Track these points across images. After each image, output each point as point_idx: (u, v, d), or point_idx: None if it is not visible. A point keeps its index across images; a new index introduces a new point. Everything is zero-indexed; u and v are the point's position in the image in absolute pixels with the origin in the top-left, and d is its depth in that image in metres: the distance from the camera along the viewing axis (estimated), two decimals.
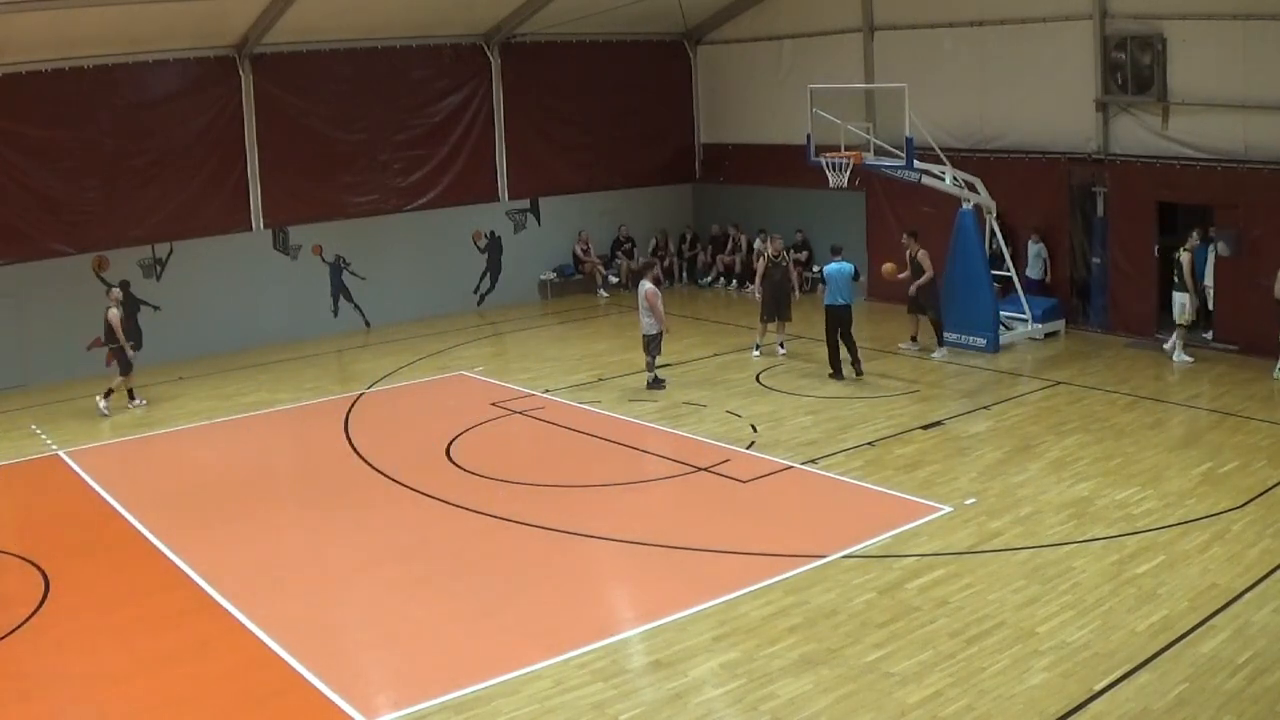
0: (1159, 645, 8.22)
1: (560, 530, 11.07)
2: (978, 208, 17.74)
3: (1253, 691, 7.54)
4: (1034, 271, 18.71)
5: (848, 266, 16.21)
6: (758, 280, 17.69)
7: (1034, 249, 18.73)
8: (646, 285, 15.86)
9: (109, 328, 15.89)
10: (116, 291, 16.73)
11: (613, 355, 18.11)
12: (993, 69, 19.22)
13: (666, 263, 24.40)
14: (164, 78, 18.83)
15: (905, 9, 20.40)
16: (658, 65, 24.53)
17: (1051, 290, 18.67)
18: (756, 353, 17.51)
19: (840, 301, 16.01)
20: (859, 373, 16.06)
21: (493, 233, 22.66)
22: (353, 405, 15.95)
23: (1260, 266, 16.02)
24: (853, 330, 16.16)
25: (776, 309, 17.27)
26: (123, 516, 11.88)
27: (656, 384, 15.92)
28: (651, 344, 15.87)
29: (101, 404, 15.82)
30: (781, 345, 17.59)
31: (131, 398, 16.36)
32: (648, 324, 15.77)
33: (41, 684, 8.51)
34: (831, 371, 16.13)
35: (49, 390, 17.35)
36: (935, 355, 17.14)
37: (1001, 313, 17.71)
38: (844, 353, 16.14)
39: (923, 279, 17.00)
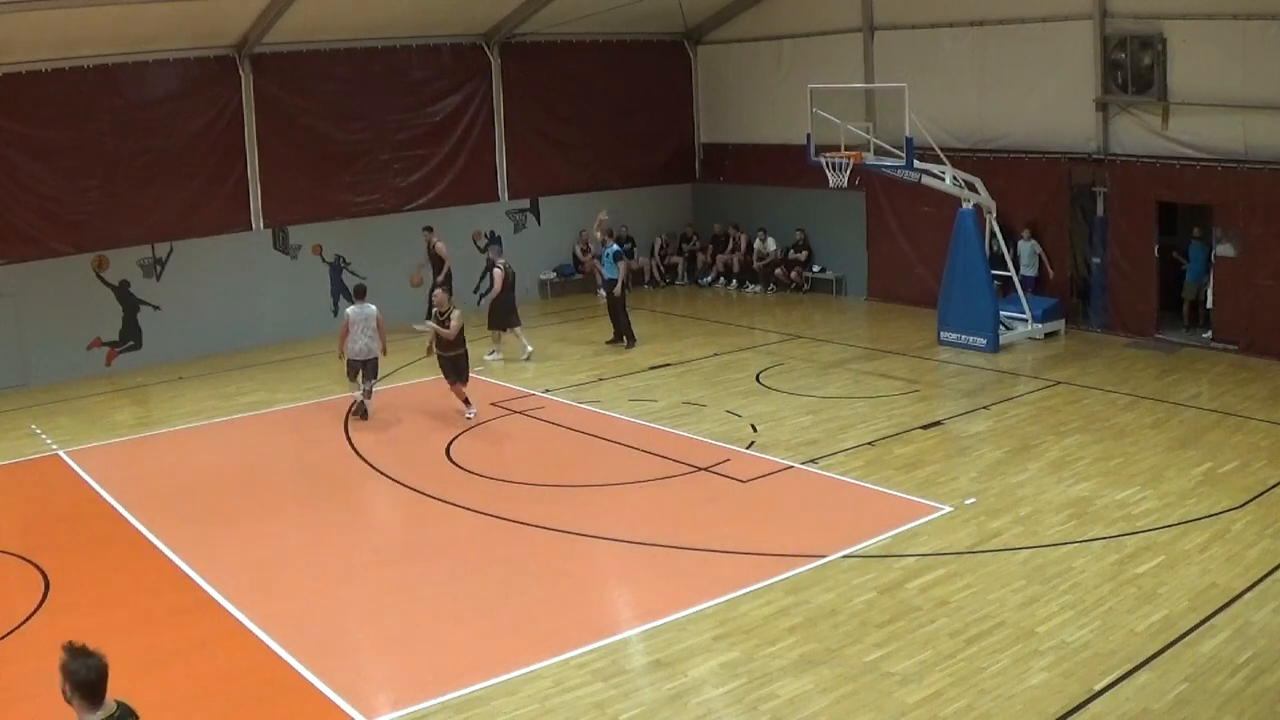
0: (1159, 645, 8.22)
1: (560, 530, 11.07)
2: (978, 208, 17.73)
3: (1253, 691, 7.55)
4: (1029, 269, 18.69)
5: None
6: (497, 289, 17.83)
7: (1025, 246, 18.73)
8: (371, 308, 15.01)
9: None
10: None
11: (612, 355, 18.12)
12: (993, 69, 19.21)
13: (669, 261, 24.43)
14: (164, 78, 18.81)
15: (905, 9, 20.39)
16: (658, 65, 24.51)
17: (1051, 289, 18.66)
18: (492, 355, 17.94)
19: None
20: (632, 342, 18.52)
21: (493, 232, 22.65)
22: (352, 405, 15.93)
23: (1260, 266, 16.03)
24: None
25: (505, 318, 17.81)
26: (123, 516, 11.88)
27: (361, 411, 15.08)
28: (372, 369, 15.06)
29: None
30: (493, 352, 17.97)
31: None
32: (374, 349, 14.97)
33: (42, 684, 8.47)
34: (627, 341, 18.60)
35: (49, 390, 17.35)
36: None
37: (1001, 313, 17.71)
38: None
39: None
